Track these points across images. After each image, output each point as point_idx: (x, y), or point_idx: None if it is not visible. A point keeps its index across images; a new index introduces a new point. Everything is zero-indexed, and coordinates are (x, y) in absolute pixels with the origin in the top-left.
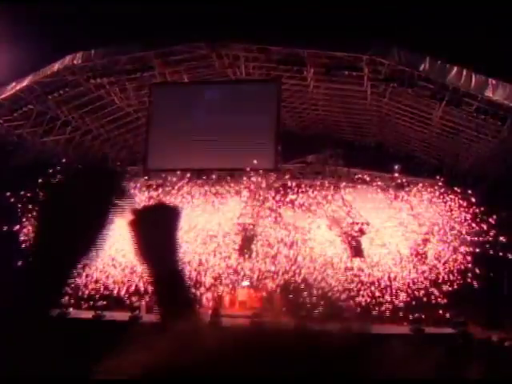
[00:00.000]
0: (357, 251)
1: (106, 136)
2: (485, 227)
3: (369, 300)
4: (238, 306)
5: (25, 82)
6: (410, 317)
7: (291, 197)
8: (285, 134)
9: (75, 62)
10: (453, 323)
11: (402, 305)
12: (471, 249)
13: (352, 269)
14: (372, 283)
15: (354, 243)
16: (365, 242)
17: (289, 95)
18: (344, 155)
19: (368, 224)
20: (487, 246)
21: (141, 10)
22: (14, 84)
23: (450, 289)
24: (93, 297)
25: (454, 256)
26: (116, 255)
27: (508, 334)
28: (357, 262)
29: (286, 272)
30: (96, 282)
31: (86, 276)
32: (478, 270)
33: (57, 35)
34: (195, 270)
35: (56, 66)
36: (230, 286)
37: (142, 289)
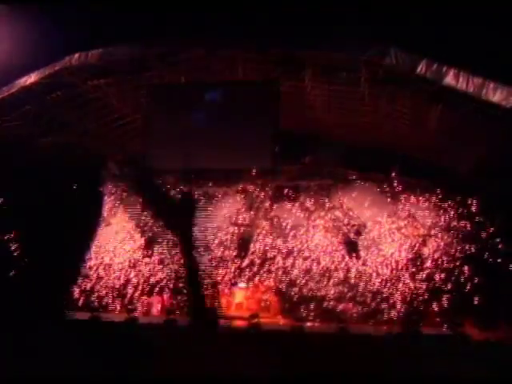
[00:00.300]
0: (353, 252)
1: (103, 137)
2: (483, 228)
3: (366, 307)
4: (234, 308)
5: (22, 83)
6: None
7: (288, 197)
8: (282, 136)
9: (73, 62)
10: (450, 325)
11: (399, 310)
12: (468, 252)
13: (348, 275)
14: (370, 290)
15: (350, 244)
16: (361, 246)
17: (287, 96)
18: (342, 157)
19: (365, 226)
20: (485, 251)
21: (138, 10)
22: (10, 85)
23: (448, 293)
24: (89, 299)
25: (452, 261)
26: (112, 259)
27: (506, 334)
28: (354, 269)
29: (283, 274)
30: (92, 287)
31: (80, 285)
32: (475, 275)
33: (54, 36)
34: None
35: (54, 67)
36: (227, 287)
37: (139, 291)
